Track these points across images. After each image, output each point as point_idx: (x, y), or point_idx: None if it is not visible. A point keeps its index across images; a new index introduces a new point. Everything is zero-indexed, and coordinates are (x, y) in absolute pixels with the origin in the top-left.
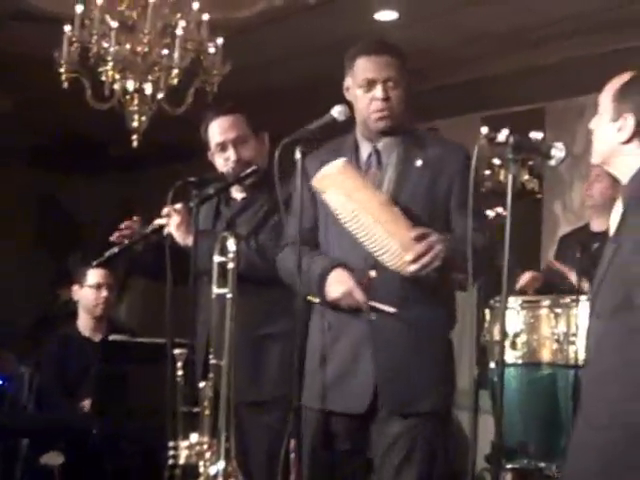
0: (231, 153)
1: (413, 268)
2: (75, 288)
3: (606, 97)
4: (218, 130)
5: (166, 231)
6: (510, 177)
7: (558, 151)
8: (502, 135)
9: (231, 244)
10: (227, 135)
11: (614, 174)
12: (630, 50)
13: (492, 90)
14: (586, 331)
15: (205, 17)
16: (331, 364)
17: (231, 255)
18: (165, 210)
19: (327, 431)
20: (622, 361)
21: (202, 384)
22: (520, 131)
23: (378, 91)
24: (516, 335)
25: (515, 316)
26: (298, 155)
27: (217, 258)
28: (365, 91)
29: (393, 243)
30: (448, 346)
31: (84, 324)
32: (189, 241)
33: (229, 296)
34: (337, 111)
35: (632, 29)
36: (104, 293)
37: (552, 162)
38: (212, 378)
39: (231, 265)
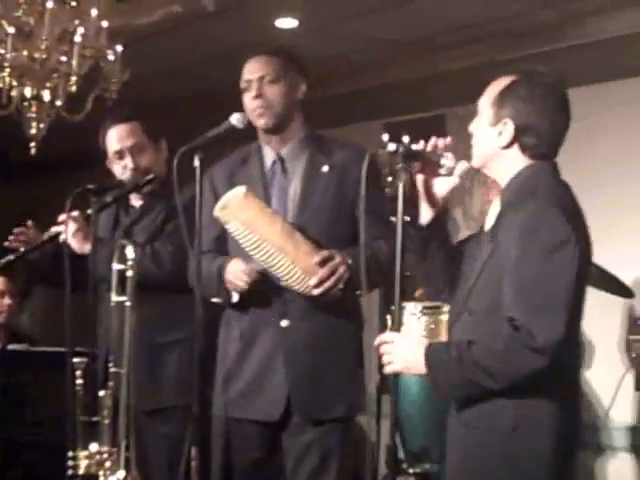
0: (128, 161)
1: (317, 292)
2: None
3: (486, 101)
4: (115, 138)
5: (62, 239)
6: (400, 185)
7: (448, 161)
8: (392, 145)
9: (129, 252)
10: (124, 143)
11: (493, 178)
12: (528, 57)
13: (393, 97)
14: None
15: (104, 24)
16: (243, 372)
17: (130, 263)
18: (61, 218)
19: (239, 439)
20: None
21: (102, 393)
22: (421, 137)
23: (252, 90)
24: None
25: (416, 322)
26: (197, 162)
27: (116, 266)
28: (246, 92)
29: (296, 270)
30: (358, 350)
31: None
32: (86, 249)
33: (128, 304)
34: (236, 119)
35: (530, 37)
36: (7, 301)
37: (442, 171)
38: (112, 387)
39: (130, 273)
